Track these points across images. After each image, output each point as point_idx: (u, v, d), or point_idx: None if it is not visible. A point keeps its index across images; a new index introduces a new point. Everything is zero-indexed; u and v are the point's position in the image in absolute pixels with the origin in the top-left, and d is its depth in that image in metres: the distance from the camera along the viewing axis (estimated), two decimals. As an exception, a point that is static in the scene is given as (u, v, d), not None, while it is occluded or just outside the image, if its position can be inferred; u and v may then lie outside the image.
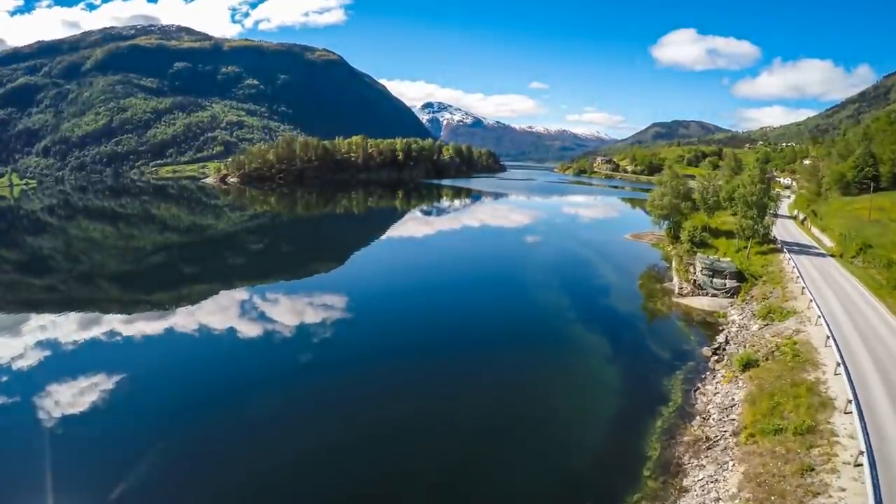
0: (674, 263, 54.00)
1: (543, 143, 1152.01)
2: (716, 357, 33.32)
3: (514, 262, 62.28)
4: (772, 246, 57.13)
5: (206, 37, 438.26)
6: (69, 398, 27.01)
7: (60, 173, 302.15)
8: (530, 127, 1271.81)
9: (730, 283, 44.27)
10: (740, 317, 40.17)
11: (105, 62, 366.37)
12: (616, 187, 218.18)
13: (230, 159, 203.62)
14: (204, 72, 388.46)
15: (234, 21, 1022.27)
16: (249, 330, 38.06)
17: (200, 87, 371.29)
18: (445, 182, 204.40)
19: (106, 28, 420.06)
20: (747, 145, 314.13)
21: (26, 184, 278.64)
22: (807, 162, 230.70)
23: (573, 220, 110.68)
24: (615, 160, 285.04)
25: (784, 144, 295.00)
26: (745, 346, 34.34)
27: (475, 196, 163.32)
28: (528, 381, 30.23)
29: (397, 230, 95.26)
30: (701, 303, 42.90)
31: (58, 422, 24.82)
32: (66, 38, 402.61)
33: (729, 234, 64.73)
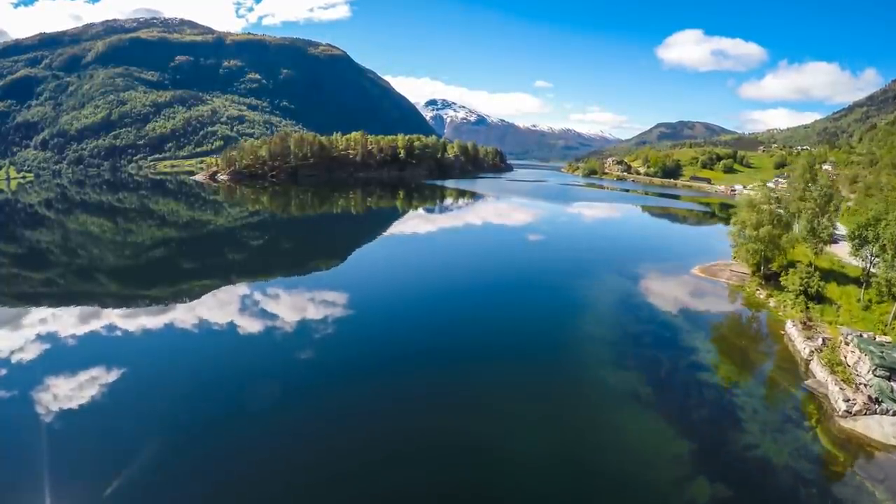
0: (797, 338, 34.85)
1: (547, 141, 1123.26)
2: None
3: (547, 311, 41.49)
4: (911, 301, 38.49)
5: (209, 30, 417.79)
6: (67, 393, 25.76)
7: (58, 167, 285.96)
8: (534, 125, 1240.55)
9: (919, 391, 25.76)
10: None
11: (106, 55, 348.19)
12: (628, 190, 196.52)
13: (221, 155, 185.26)
14: (206, 65, 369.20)
15: (238, 16, 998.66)
16: (249, 327, 36.00)
17: (202, 81, 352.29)
18: (450, 184, 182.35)
19: (108, 21, 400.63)
20: (761, 148, 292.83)
21: (23, 177, 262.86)
22: (827, 167, 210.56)
23: (613, 240, 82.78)
24: (626, 161, 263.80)
25: (800, 148, 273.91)
26: None
27: (487, 201, 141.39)
28: None
29: (401, 232, 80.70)
30: (882, 431, 24.25)
31: (56, 417, 23.46)
32: (68, 30, 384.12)
33: (840, 278, 45.75)
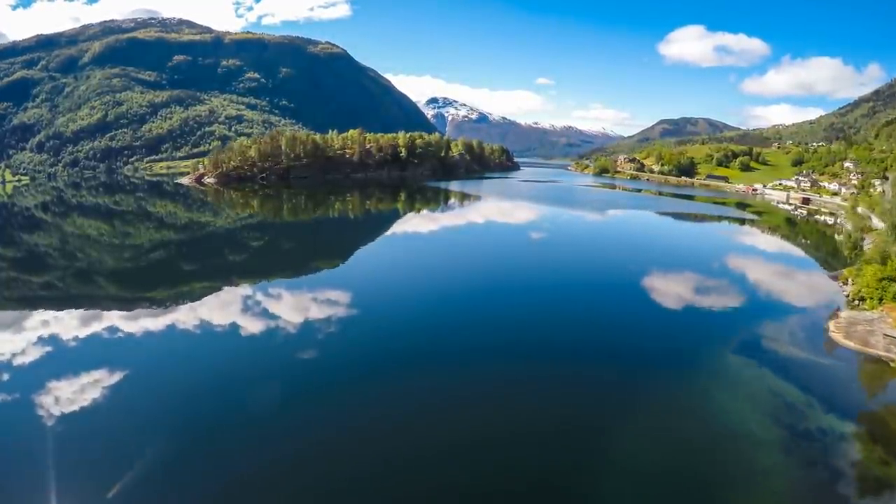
0: None
1: (549, 139, 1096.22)
2: None
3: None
4: None
5: (207, 29, 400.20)
6: (70, 396, 24.46)
7: (53, 169, 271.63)
8: (536, 123, 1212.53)
9: None
10: None
11: (103, 55, 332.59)
12: (640, 190, 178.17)
13: (208, 156, 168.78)
14: (204, 65, 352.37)
15: (238, 16, 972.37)
16: (253, 328, 33.60)
17: (200, 81, 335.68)
18: (456, 185, 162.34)
19: (106, 21, 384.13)
20: (775, 145, 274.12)
21: (18, 180, 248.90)
22: (848, 164, 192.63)
23: (692, 275, 54.93)
24: (639, 158, 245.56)
25: (816, 144, 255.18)
26: None
27: (509, 208, 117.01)
28: None
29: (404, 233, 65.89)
30: None
31: (59, 420, 22.38)
32: (65, 31, 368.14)
33: None
